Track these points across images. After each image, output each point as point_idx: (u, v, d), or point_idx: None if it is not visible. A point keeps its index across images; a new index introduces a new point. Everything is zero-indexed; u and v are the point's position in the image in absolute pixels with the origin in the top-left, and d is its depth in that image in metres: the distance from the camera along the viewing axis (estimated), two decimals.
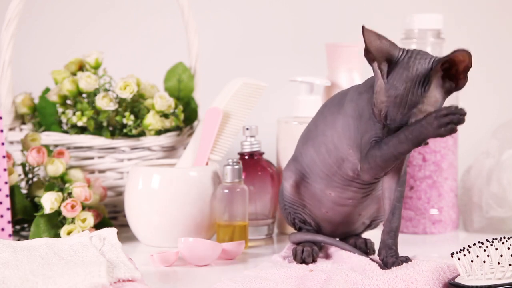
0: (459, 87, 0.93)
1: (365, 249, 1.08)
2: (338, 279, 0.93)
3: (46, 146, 1.23)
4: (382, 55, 0.93)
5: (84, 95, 1.26)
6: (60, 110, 1.27)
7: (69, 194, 1.16)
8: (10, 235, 1.14)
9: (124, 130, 1.26)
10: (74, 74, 1.28)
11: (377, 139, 0.96)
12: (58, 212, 1.16)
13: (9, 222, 1.13)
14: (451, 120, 0.89)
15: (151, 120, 1.25)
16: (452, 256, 0.91)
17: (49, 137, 1.25)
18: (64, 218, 1.16)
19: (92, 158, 1.26)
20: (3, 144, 1.14)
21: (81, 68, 1.29)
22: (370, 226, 1.11)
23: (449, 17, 1.38)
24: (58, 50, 1.57)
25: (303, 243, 1.07)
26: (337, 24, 1.58)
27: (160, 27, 1.58)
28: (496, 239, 0.92)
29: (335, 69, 1.28)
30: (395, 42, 0.96)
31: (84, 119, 1.24)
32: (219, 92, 1.25)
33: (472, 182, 1.30)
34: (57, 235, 1.15)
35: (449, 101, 1.04)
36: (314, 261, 1.04)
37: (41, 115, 1.27)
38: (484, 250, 0.90)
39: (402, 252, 1.02)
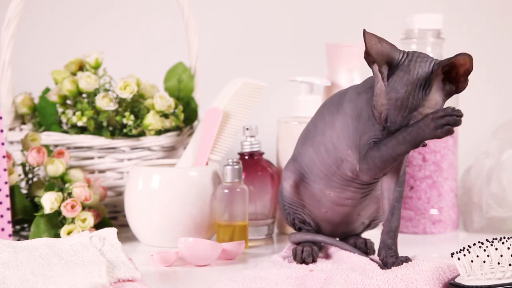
0: (459, 90, 0.94)
1: (365, 249, 1.08)
2: (338, 279, 0.93)
3: (46, 146, 1.23)
4: (383, 58, 0.93)
5: (84, 95, 1.26)
6: (60, 110, 1.27)
7: (69, 194, 1.16)
8: (10, 235, 1.13)
9: (124, 130, 1.26)
10: (74, 74, 1.28)
11: (376, 140, 0.96)
12: (58, 212, 1.16)
13: (9, 222, 1.14)
14: (448, 122, 0.90)
15: (151, 120, 1.25)
16: (452, 256, 0.91)
17: (49, 137, 1.25)
18: (64, 218, 1.16)
19: (92, 158, 1.26)
20: (3, 144, 1.14)
21: (81, 68, 1.29)
22: (369, 226, 1.11)
23: (449, 17, 1.38)
24: (58, 50, 1.57)
25: (303, 243, 1.07)
26: (337, 24, 1.58)
27: (160, 27, 1.58)
28: (496, 239, 0.92)
29: (335, 69, 1.28)
30: (395, 43, 0.96)
31: (84, 119, 1.24)
32: (219, 92, 1.25)
33: (472, 182, 1.30)
34: (57, 235, 1.15)
35: (450, 101, 1.04)
36: (314, 261, 1.04)
37: (41, 115, 1.27)
38: (484, 250, 0.90)
39: (402, 252, 1.02)
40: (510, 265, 0.87)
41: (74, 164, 1.25)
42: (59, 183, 1.21)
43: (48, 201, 1.14)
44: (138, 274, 0.91)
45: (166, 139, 1.28)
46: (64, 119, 1.26)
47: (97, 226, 1.19)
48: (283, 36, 1.59)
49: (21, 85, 1.34)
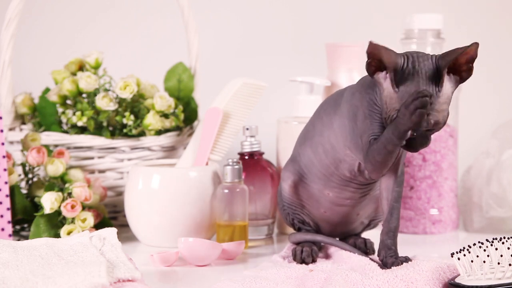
0: (464, 79, 0.94)
1: (365, 249, 1.08)
2: (338, 279, 0.93)
3: (46, 146, 1.22)
4: (392, 65, 0.93)
5: (84, 95, 1.26)
6: (60, 110, 1.27)
7: (69, 194, 1.16)
8: (10, 235, 1.13)
9: (124, 130, 1.26)
10: (74, 74, 1.28)
11: (375, 137, 0.96)
12: (58, 212, 1.16)
13: (9, 222, 1.13)
14: (416, 106, 0.90)
15: (151, 120, 1.25)
16: (452, 256, 0.91)
17: (49, 137, 1.25)
18: (64, 218, 1.16)
19: (92, 158, 1.26)
20: (3, 144, 1.14)
21: (81, 68, 1.29)
22: (369, 225, 1.11)
23: (449, 17, 1.38)
24: (58, 50, 1.57)
25: (303, 243, 1.07)
26: (337, 24, 1.58)
27: (160, 27, 1.58)
28: (496, 239, 0.92)
29: (335, 69, 1.28)
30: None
31: (84, 119, 1.24)
32: (219, 92, 1.25)
33: (472, 182, 1.30)
34: (57, 235, 1.15)
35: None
36: (313, 261, 1.04)
37: (41, 115, 1.27)
38: (484, 250, 0.90)
39: (402, 252, 1.02)
40: (510, 265, 0.87)
41: (74, 164, 1.25)
42: (59, 183, 1.21)
43: (48, 201, 1.14)
44: (138, 274, 0.91)
45: (166, 139, 1.28)
46: (64, 119, 1.26)
47: (97, 226, 1.19)
48: (283, 36, 1.59)
49: (21, 85, 1.34)
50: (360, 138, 0.98)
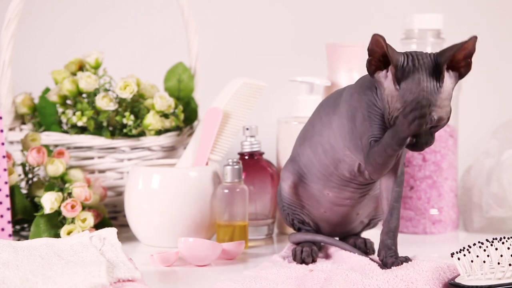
0: (463, 75, 0.94)
1: (365, 249, 1.08)
2: (338, 279, 0.93)
3: (46, 146, 1.22)
4: (394, 60, 0.93)
5: (84, 95, 1.26)
6: (60, 110, 1.27)
7: (69, 194, 1.16)
8: (10, 235, 1.13)
9: (124, 130, 1.26)
10: (74, 74, 1.28)
11: (375, 139, 0.96)
12: (58, 212, 1.16)
13: (9, 222, 1.13)
14: (415, 116, 0.90)
15: (151, 120, 1.25)
16: (452, 256, 0.91)
17: (49, 137, 1.25)
18: (64, 218, 1.16)
19: (92, 158, 1.26)
20: (3, 144, 1.14)
21: (81, 68, 1.29)
22: (369, 225, 1.11)
23: (449, 17, 1.38)
24: (58, 50, 1.57)
25: (303, 243, 1.07)
26: (337, 24, 1.58)
27: (160, 27, 1.58)
28: (496, 239, 0.92)
29: (335, 69, 1.28)
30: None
31: (84, 119, 1.24)
32: (219, 92, 1.25)
33: (472, 182, 1.30)
34: (57, 235, 1.15)
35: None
36: (313, 261, 1.04)
37: (41, 115, 1.27)
38: (484, 250, 0.90)
39: (402, 252, 1.02)
40: (510, 265, 0.87)
41: (74, 164, 1.25)
42: (59, 183, 1.21)
43: (48, 201, 1.14)
44: (138, 274, 0.91)
45: (166, 139, 1.28)
46: (64, 119, 1.26)
47: (97, 226, 1.19)
48: (283, 36, 1.59)
49: (21, 85, 1.34)
50: (359, 139, 0.97)
